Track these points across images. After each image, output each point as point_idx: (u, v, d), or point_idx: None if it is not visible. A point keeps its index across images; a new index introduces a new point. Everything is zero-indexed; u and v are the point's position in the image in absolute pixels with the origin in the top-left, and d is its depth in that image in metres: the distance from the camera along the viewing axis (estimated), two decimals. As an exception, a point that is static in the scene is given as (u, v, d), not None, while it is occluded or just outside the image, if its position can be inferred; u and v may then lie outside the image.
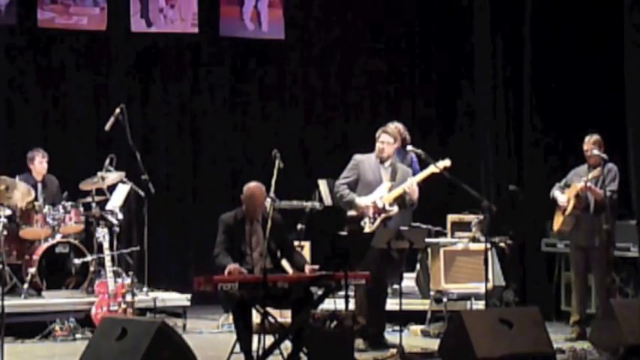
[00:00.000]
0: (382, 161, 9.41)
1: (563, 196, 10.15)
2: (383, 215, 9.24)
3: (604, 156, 9.91)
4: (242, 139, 13.02)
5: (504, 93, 12.54)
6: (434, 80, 13.33)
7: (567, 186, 10.21)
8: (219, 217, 8.47)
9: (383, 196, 9.28)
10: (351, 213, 9.31)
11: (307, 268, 8.33)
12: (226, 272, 8.00)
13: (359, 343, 9.08)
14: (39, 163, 10.98)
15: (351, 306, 9.01)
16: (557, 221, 10.27)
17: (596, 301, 10.31)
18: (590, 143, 9.99)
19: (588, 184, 9.85)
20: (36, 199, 10.66)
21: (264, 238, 8.10)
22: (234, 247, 8.31)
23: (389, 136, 9.43)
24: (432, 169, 9.40)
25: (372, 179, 9.36)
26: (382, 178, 9.37)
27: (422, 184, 9.55)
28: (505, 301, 10.82)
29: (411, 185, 9.30)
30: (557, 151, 11.92)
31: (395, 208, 9.27)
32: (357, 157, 9.49)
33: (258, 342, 7.98)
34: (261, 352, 7.96)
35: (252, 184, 8.47)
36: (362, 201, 9.28)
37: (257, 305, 8.12)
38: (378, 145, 9.42)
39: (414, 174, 9.61)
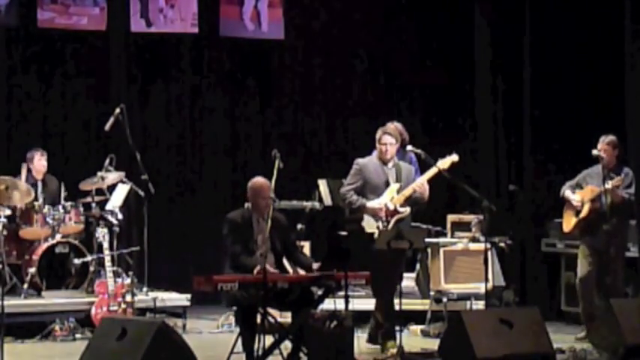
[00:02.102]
0: (385, 162, 9.27)
1: (576, 196, 9.94)
2: (396, 217, 9.14)
3: (601, 155, 9.78)
4: (242, 138, 13.02)
5: (506, 94, 12.54)
6: (434, 80, 13.31)
7: (579, 186, 10.05)
8: (226, 216, 8.43)
9: (393, 197, 9.18)
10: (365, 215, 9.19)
11: (315, 266, 8.30)
12: (255, 272, 7.95)
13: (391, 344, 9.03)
14: (38, 162, 10.97)
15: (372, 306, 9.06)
16: (569, 221, 10.03)
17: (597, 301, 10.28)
18: (605, 144, 9.82)
19: (610, 186, 9.64)
20: (36, 198, 10.66)
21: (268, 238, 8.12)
22: (242, 244, 8.29)
23: (391, 136, 9.26)
24: (441, 164, 9.26)
25: (378, 182, 9.18)
26: (388, 179, 9.22)
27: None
28: (505, 301, 10.81)
29: (421, 185, 9.18)
30: (557, 151, 11.91)
31: (407, 209, 9.14)
32: (360, 161, 9.31)
33: (258, 342, 7.97)
34: (261, 352, 7.96)
35: (259, 179, 8.45)
36: (373, 204, 9.12)
37: (257, 305, 8.11)
38: (380, 146, 9.25)
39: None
